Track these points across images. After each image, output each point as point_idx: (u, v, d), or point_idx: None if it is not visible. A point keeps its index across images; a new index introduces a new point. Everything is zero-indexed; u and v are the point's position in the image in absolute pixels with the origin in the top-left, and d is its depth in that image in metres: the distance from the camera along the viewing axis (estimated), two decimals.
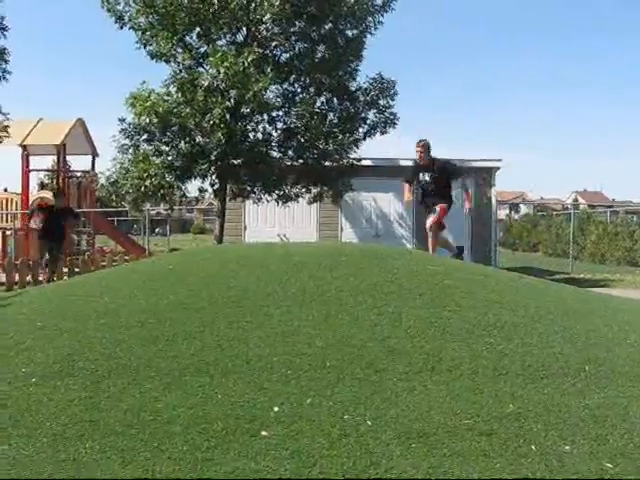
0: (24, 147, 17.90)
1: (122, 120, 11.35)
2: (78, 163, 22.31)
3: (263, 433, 2.80)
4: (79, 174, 20.22)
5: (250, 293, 4.44)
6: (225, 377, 3.33)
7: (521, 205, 54.32)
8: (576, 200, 65.43)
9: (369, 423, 2.89)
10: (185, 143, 11.16)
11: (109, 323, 4.16)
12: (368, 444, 2.74)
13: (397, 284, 4.60)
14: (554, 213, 31.96)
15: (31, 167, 18.98)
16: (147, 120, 10.61)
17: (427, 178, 8.76)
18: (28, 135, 17.85)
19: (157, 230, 37.12)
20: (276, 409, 3.00)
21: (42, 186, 22.47)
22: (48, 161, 26.05)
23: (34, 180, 23.13)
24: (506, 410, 3.07)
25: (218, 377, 3.33)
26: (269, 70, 10.65)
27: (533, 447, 2.77)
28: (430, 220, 8.52)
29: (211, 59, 10.43)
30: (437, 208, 8.51)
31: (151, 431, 2.84)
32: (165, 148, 11.33)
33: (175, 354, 3.61)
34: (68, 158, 20.44)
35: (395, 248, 6.21)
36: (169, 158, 11.15)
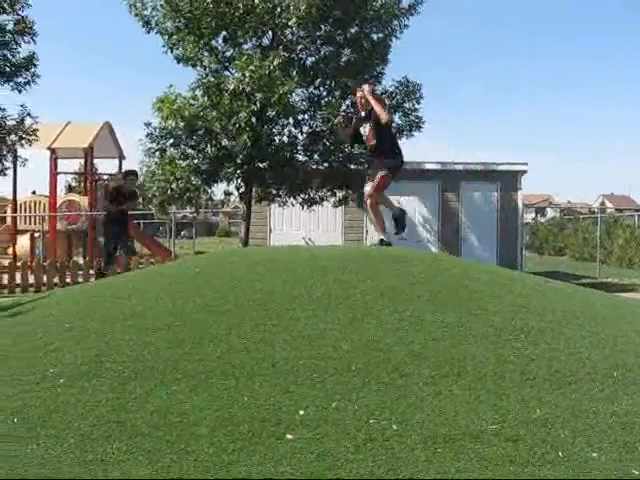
0: (52, 150, 18.19)
1: (148, 124, 11.47)
2: (105, 166, 22.52)
3: (288, 436, 2.81)
4: (106, 177, 20.46)
5: (276, 296, 4.46)
6: (251, 380, 3.35)
7: (547, 209, 53.75)
8: (603, 204, 64.59)
9: (395, 427, 2.88)
10: (211, 147, 11.23)
11: (136, 325, 4.20)
12: (393, 448, 2.73)
13: (423, 288, 4.58)
14: (581, 217, 31.61)
15: (59, 170, 19.27)
16: (173, 124, 10.70)
17: (366, 131, 6.95)
18: (56, 138, 18.13)
19: (183, 233, 37.40)
20: (302, 412, 3.01)
21: (70, 189, 22.79)
22: (75, 164, 26.48)
23: (61, 183, 23.52)
24: (533, 415, 3.04)
25: (244, 380, 3.35)
26: (295, 73, 10.67)
27: (560, 453, 2.74)
28: (367, 189, 7.22)
29: (237, 63, 10.49)
30: (378, 176, 6.94)
31: (178, 433, 2.87)
32: (191, 152, 11.40)
33: (201, 357, 3.63)
34: (95, 161, 20.70)
35: (420, 251, 6.19)
36: (195, 161, 11.23)
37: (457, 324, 4.03)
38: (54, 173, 18.36)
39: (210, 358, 3.61)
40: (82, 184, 21.95)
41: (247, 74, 10.18)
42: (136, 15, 11.59)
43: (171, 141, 11.24)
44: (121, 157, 20.64)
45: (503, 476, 2.56)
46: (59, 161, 18.91)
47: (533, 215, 45.23)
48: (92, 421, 3.00)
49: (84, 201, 18.60)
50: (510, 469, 2.61)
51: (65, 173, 23.05)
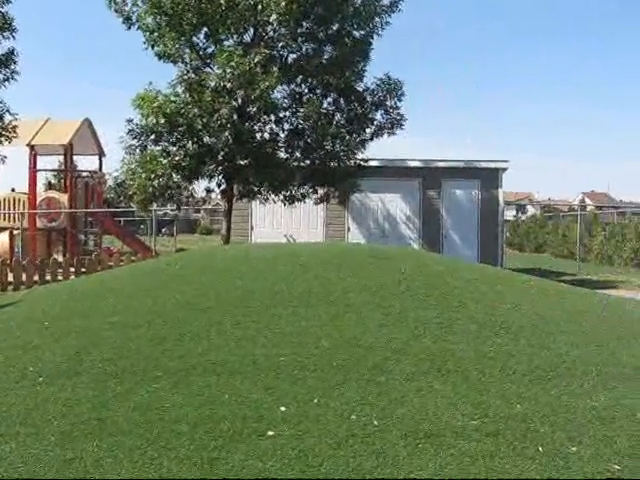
0: (32, 147, 17.95)
1: (129, 121, 11.35)
2: (86, 163, 22.31)
3: (270, 433, 2.81)
4: (85, 174, 20.24)
5: (257, 293, 4.45)
6: (232, 377, 3.34)
7: (528, 206, 54.15)
8: (583, 201, 65.18)
9: (376, 423, 2.89)
10: (192, 143, 11.15)
11: (116, 323, 4.18)
12: (374, 444, 2.74)
13: (403, 284, 4.60)
14: (561, 214, 31.89)
15: (38, 167, 19.04)
16: (154, 121, 10.61)
17: None
18: (35, 135, 17.90)
19: (164, 230, 37.12)
20: (283, 409, 3.01)
21: (49, 186, 22.53)
22: (55, 161, 26.20)
23: (42, 180, 23.26)
24: (513, 411, 3.06)
25: (225, 377, 3.34)
26: (276, 70, 10.62)
27: (540, 448, 2.76)
28: None
29: (218, 59, 10.42)
30: None
31: (158, 430, 2.85)
32: (172, 149, 11.31)
33: (182, 354, 3.62)
34: (75, 158, 20.47)
35: (401, 249, 6.21)
36: (176, 158, 11.14)
37: (438, 320, 4.05)
38: (33, 170, 18.12)
39: (191, 355, 3.60)
40: (62, 181, 21.72)
41: (228, 70, 10.12)
42: (116, 11, 11.48)
43: (152, 137, 11.14)
44: (101, 154, 20.43)
45: (483, 471, 2.58)
46: (38, 158, 18.66)
47: (514, 212, 45.51)
48: (72, 419, 2.98)
49: (64, 198, 18.38)
50: (491, 464, 2.63)
51: (45, 170, 22.79)
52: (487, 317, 4.20)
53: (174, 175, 11.10)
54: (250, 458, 2.64)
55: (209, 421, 2.92)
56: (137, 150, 11.41)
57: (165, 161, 11.05)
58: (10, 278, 12.27)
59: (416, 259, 5.45)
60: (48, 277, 12.45)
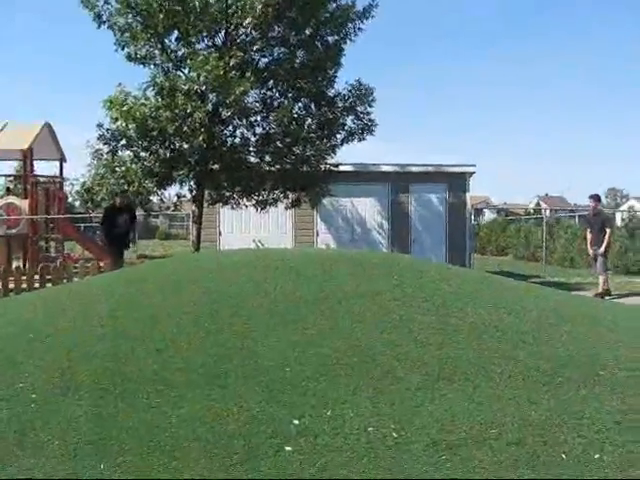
0: None
1: (100, 126, 11.08)
2: (47, 169, 21.71)
3: (287, 448, 2.70)
4: (42, 179, 19.70)
5: (252, 301, 4.32)
6: (238, 389, 3.21)
7: (485, 210, 54.97)
8: (539, 204, 66.36)
9: (395, 435, 2.80)
10: (164, 149, 10.93)
11: (106, 334, 4.00)
12: (396, 457, 2.65)
13: (399, 290, 4.52)
14: (522, 217, 32.38)
15: None
16: (124, 125, 10.36)
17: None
18: None
19: None
20: (296, 422, 2.90)
21: (8, 191, 21.89)
22: (12, 166, 25.48)
23: None
24: (529, 418, 3.01)
25: (231, 390, 3.21)
26: (250, 75, 10.48)
27: (563, 455, 2.72)
28: None
29: (192, 62, 10.25)
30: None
31: (168, 449, 2.71)
32: (144, 154, 11.07)
33: (182, 366, 3.47)
34: (35, 163, 19.93)
35: (388, 254, 6.14)
36: (147, 164, 10.91)
37: (439, 326, 3.99)
38: None
39: (191, 368, 3.46)
40: (20, 186, 21.11)
41: (202, 74, 9.95)
42: (90, 9, 11.15)
43: (123, 142, 10.88)
44: (62, 159, 19.96)
45: None
46: None
47: (473, 216, 46.06)
48: (74, 439, 2.82)
49: (24, 204, 17.88)
50: (517, 473, 2.57)
51: (4, 176, 22.18)
52: (486, 322, 4.15)
53: (146, 181, 10.86)
54: (271, 474, 2.52)
55: (221, 437, 2.79)
56: (106, 155, 11.14)
57: (135, 167, 10.80)
58: None
59: (406, 264, 5.38)
60: (11, 286, 12.07)
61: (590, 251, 11.83)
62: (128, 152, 11.09)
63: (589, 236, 11.95)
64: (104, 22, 11.21)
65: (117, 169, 10.67)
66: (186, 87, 10.30)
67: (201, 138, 10.42)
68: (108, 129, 10.95)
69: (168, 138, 10.76)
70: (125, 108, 10.29)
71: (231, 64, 10.15)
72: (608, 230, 11.49)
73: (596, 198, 11.99)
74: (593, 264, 12.19)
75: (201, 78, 9.94)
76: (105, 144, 11.05)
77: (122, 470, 2.55)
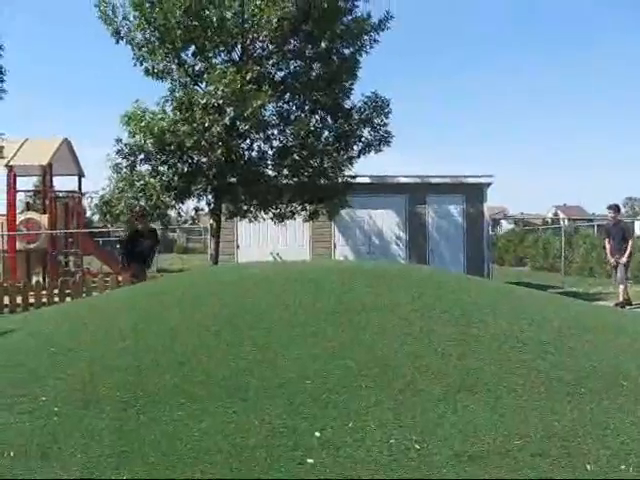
0: (10, 167, 17.66)
1: (118, 141, 11.18)
2: (66, 184, 21.93)
3: (309, 460, 2.69)
4: (61, 194, 19.90)
5: (271, 314, 4.32)
6: (259, 402, 3.21)
7: (502, 221, 54.65)
8: (556, 214, 65.87)
9: (417, 447, 2.78)
10: (183, 162, 11.00)
11: (127, 348, 4.02)
12: (420, 469, 2.64)
13: (419, 302, 4.51)
14: (540, 228, 32.16)
15: (17, 188, 18.71)
16: (142, 140, 10.45)
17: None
18: (14, 155, 17.62)
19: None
20: (318, 434, 2.89)
21: (28, 207, 22.13)
22: (32, 182, 25.76)
23: (21, 201, 22.82)
24: (553, 429, 2.98)
25: (252, 402, 3.21)
26: (268, 88, 10.53)
27: (588, 467, 2.69)
28: None
29: (210, 76, 10.32)
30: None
31: (190, 461, 2.72)
32: (162, 168, 11.15)
33: (203, 379, 3.48)
34: (54, 179, 20.15)
35: (407, 266, 6.12)
36: (165, 178, 10.99)
37: (460, 337, 3.96)
38: (12, 191, 17.81)
39: (213, 380, 3.46)
40: (40, 202, 21.35)
41: (220, 87, 10.02)
42: (108, 24, 11.26)
43: (141, 157, 10.98)
44: (80, 174, 20.17)
45: None
46: (17, 179, 18.35)
47: (490, 227, 45.79)
48: (96, 451, 2.83)
49: (43, 219, 18.08)
50: None
51: (24, 191, 22.42)
52: (507, 332, 4.12)
53: (164, 195, 10.93)
54: None
55: (243, 450, 2.79)
56: (124, 169, 11.24)
57: (154, 180, 10.88)
58: None
59: (425, 275, 5.37)
60: (32, 300, 12.18)
61: (611, 260, 11.70)
62: (146, 166, 11.18)
63: (608, 246, 11.83)
64: (122, 38, 11.35)
65: (136, 182, 10.76)
66: (204, 101, 10.37)
67: (219, 152, 10.48)
68: (127, 144, 11.05)
69: (186, 152, 10.84)
70: (143, 123, 10.39)
71: (248, 78, 10.21)
72: (630, 240, 11.39)
73: (616, 208, 11.89)
74: (614, 274, 12.05)
75: (219, 92, 10.01)
76: (124, 158, 11.15)
77: None
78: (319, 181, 12.31)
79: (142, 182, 10.68)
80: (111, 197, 11.34)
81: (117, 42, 11.45)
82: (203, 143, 10.48)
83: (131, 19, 11.24)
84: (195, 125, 10.45)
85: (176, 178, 10.90)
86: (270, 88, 10.76)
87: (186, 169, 11.04)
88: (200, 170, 11.07)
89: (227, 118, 10.58)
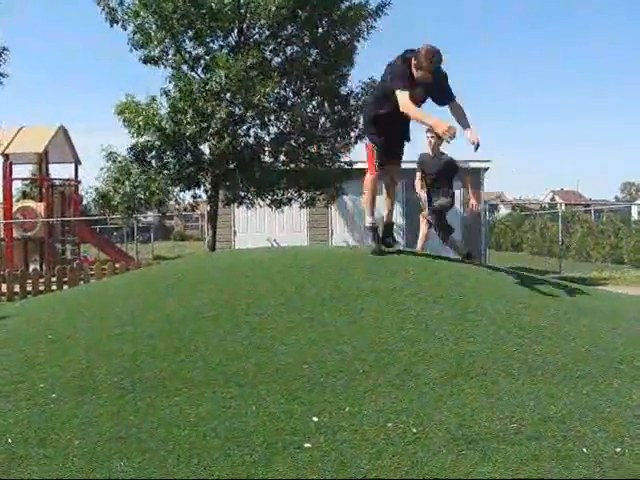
0: (6, 156, 17.62)
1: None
2: (62, 171, 21.86)
3: (307, 445, 2.70)
4: (58, 182, 19.86)
5: (267, 300, 4.32)
6: (256, 387, 3.22)
7: (499, 205, 54.59)
8: (553, 199, 65.78)
9: (414, 430, 2.80)
10: (185, 151, 10.92)
11: (124, 334, 4.02)
12: (417, 452, 2.65)
13: (416, 286, 4.51)
14: (537, 212, 32.19)
15: (13, 176, 18.66)
16: (151, 137, 10.35)
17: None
18: (10, 144, 17.57)
19: (137, 237, 36.75)
20: (315, 419, 2.90)
21: (24, 195, 22.10)
22: (27, 170, 25.70)
23: (17, 189, 22.77)
24: (549, 412, 2.99)
25: (249, 387, 3.22)
26: (276, 75, 10.42)
27: (584, 450, 2.70)
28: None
29: (216, 61, 10.20)
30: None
31: (188, 446, 2.73)
32: (171, 160, 11.05)
33: (200, 365, 3.48)
34: (50, 166, 20.10)
35: (403, 251, 6.11)
36: (173, 171, 10.89)
37: (457, 322, 3.97)
38: (9, 179, 17.76)
39: (209, 366, 3.47)
40: (36, 190, 21.30)
41: (222, 73, 9.93)
42: (106, 8, 11.09)
43: (153, 154, 10.87)
44: (77, 162, 20.12)
45: (534, 475, 2.50)
46: (13, 167, 18.29)
47: (487, 212, 45.73)
48: (94, 438, 2.84)
49: (40, 207, 18.05)
50: (538, 468, 2.56)
51: (21, 179, 22.37)
52: (505, 317, 4.13)
53: (164, 183, 10.88)
54: (291, 471, 2.53)
55: (241, 434, 2.80)
56: (119, 157, 11.16)
57: (161, 175, 10.79)
58: None
59: (421, 260, 5.36)
60: (29, 288, 12.17)
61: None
62: (156, 162, 11.03)
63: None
64: (117, 21, 11.20)
65: (132, 171, 10.69)
66: (207, 87, 10.27)
67: (226, 139, 10.38)
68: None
69: (191, 139, 10.71)
70: (141, 118, 10.29)
71: (249, 63, 10.13)
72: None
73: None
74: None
75: (222, 79, 9.92)
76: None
77: (142, 468, 2.56)
78: (316, 167, 12.27)
79: (148, 177, 10.57)
80: (107, 189, 11.24)
81: (111, 26, 11.32)
82: (210, 130, 10.38)
83: (126, 4, 11.12)
84: (196, 113, 10.35)
85: (184, 169, 10.80)
86: (273, 74, 10.65)
87: (191, 158, 10.96)
88: (200, 158, 11.02)
89: (224, 104, 10.49)
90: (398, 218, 16.39)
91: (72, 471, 2.60)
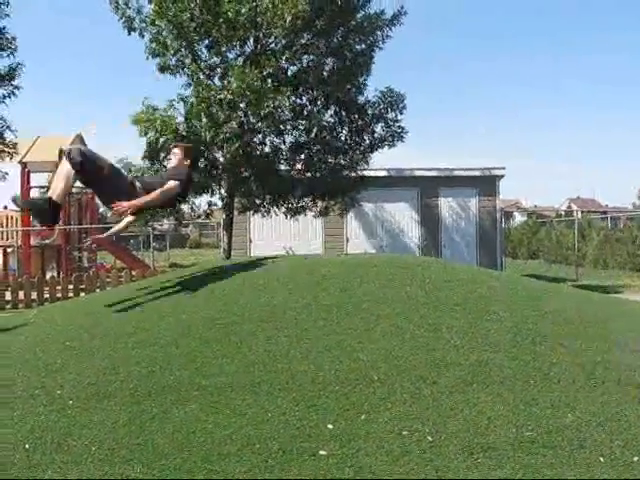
0: (24, 164, 17.79)
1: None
2: None
3: (322, 452, 2.70)
4: (75, 190, 20.02)
5: (283, 307, 4.34)
6: (272, 395, 3.23)
7: (515, 213, 54.27)
8: (570, 207, 65.31)
9: (430, 439, 2.79)
10: (202, 158, 10.97)
11: (141, 341, 4.05)
12: (432, 460, 2.64)
13: (432, 294, 4.51)
14: (554, 220, 31.98)
15: (31, 184, 18.84)
16: (160, 140, 10.41)
17: None
18: (28, 152, 17.74)
19: (153, 245, 36.92)
20: (330, 427, 2.90)
21: None
22: (41, 178, 25.90)
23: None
24: (565, 421, 2.98)
25: (264, 395, 3.23)
26: (287, 89, 10.44)
27: (601, 459, 2.68)
28: None
29: (232, 71, 10.26)
30: None
31: (205, 453, 2.74)
32: None
33: (216, 372, 3.50)
34: None
35: (419, 258, 6.11)
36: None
37: (472, 330, 3.96)
38: (27, 187, 17.94)
39: (225, 373, 3.48)
40: None
41: (236, 84, 9.98)
42: (123, 17, 11.18)
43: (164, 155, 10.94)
44: None
45: None
46: (31, 175, 18.48)
47: (503, 220, 45.50)
48: (111, 444, 2.86)
49: None
50: (554, 476, 2.54)
51: (38, 187, 22.56)
52: (520, 325, 4.12)
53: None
54: (306, 478, 2.53)
55: (256, 441, 2.80)
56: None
57: None
58: (8, 297, 12.08)
59: (437, 268, 5.36)
60: (46, 295, 12.28)
61: None
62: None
63: None
64: (134, 29, 11.28)
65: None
66: (221, 96, 10.32)
67: (237, 145, 10.42)
68: (152, 141, 10.92)
69: (206, 147, 10.77)
70: (158, 122, 10.36)
71: (264, 73, 10.19)
72: None
73: None
74: None
75: (236, 89, 9.94)
76: (151, 164, 11.07)
77: (159, 474, 2.57)
78: (331, 177, 12.25)
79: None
80: None
81: (129, 34, 11.40)
82: (222, 137, 10.43)
83: (144, 12, 11.20)
84: (211, 121, 10.40)
85: (197, 174, 10.87)
86: (287, 85, 10.67)
87: (206, 165, 11.01)
88: (215, 165, 11.07)
89: (238, 113, 10.54)
90: (413, 226, 16.37)
91: (87, 476, 2.61)
